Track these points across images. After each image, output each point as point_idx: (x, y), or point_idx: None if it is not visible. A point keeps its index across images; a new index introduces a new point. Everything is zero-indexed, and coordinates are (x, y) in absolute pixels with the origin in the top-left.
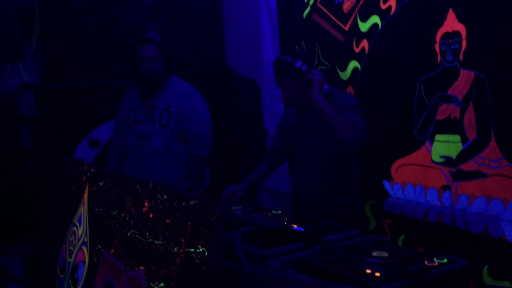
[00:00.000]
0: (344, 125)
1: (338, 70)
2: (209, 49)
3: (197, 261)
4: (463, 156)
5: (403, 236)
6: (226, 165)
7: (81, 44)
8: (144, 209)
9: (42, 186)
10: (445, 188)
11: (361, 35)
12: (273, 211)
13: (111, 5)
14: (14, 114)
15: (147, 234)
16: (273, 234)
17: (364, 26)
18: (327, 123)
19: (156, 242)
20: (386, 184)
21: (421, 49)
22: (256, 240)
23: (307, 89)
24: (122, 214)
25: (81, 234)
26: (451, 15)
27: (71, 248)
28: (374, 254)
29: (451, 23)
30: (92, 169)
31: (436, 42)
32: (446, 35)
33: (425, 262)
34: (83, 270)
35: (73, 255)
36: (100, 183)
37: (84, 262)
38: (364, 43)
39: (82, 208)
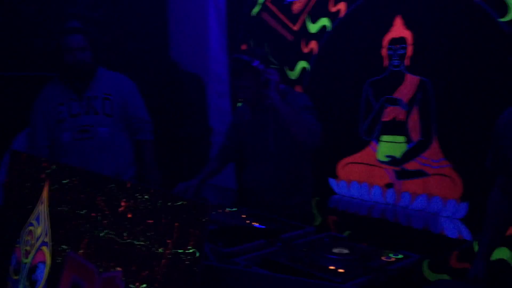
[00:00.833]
0: (301, 126)
1: (287, 70)
2: (153, 41)
3: (187, 262)
4: (407, 156)
5: (348, 232)
6: (171, 161)
7: (19, 32)
8: (121, 209)
9: None
10: (389, 186)
11: (310, 36)
12: (227, 208)
13: None
14: None
15: (125, 234)
16: (236, 232)
17: (313, 27)
18: (283, 123)
19: (136, 242)
20: (332, 181)
21: (368, 52)
22: (219, 238)
23: (263, 88)
24: (93, 214)
25: (40, 234)
26: (398, 21)
27: (27, 248)
28: (335, 251)
29: (398, 29)
30: (53, 166)
31: (383, 47)
32: (393, 41)
33: (383, 258)
34: (44, 271)
35: (30, 256)
36: (64, 181)
37: (44, 263)
38: (313, 44)
39: (41, 207)
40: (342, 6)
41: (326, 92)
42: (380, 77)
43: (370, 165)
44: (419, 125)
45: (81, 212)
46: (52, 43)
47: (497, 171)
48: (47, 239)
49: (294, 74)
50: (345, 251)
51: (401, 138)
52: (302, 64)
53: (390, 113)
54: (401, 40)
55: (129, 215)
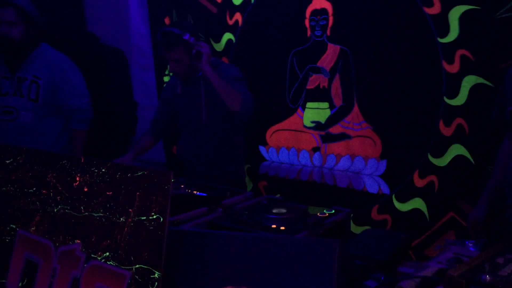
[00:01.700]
0: (233, 96)
1: (212, 42)
2: (68, 15)
3: (151, 228)
4: (331, 120)
5: (278, 194)
6: (97, 137)
7: None
8: (75, 184)
9: None
10: (316, 149)
11: (234, 8)
12: None
13: None
14: None
15: (82, 208)
16: (179, 201)
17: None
18: (216, 94)
19: (95, 214)
20: (261, 149)
21: (292, 24)
22: None
23: (195, 61)
24: (44, 191)
25: None
26: None
27: None
28: (274, 211)
29: (319, 1)
30: None
31: (306, 18)
32: (315, 12)
33: (318, 214)
34: None
35: None
36: (7, 161)
37: None
38: (238, 16)
39: None
40: None
41: (252, 63)
42: (304, 47)
43: (297, 131)
44: (340, 92)
45: (30, 191)
46: None
47: (502, 123)
48: None
49: (219, 46)
50: (283, 210)
51: (325, 104)
52: (227, 36)
53: (314, 81)
54: (322, 11)
55: (86, 189)
